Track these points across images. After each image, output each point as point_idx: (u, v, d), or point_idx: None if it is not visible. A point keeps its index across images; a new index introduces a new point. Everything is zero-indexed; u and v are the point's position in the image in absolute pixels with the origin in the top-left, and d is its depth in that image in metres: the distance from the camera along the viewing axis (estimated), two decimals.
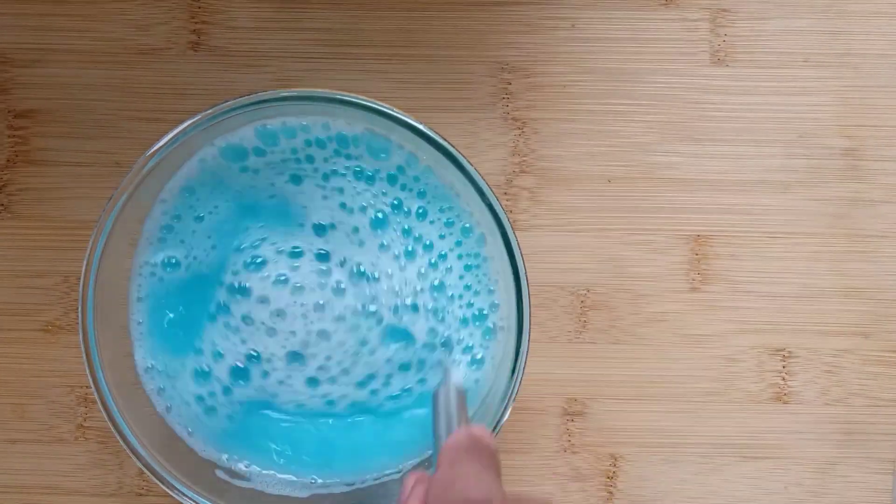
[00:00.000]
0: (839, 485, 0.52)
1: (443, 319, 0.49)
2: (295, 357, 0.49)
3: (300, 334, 0.48)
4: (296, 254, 0.49)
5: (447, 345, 0.49)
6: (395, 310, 0.48)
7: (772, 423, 0.52)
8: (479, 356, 0.49)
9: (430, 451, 0.48)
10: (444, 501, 0.39)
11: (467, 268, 0.49)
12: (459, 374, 0.48)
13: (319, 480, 0.49)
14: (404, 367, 0.49)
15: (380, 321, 0.48)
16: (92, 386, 0.45)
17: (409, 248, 0.49)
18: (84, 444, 0.52)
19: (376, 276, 0.48)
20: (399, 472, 0.49)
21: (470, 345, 0.49)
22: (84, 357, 0.45)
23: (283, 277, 0.48)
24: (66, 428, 0.52)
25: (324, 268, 0.49)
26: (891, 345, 0.53)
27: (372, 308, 0.48)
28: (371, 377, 0.49)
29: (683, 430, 0.52)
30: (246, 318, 0.48)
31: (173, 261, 0.49)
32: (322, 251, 0.49)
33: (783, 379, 0.52)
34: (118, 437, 0.45)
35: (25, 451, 0.52)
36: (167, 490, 0.45)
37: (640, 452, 0.52)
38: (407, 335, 0.49)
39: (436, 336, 0.49)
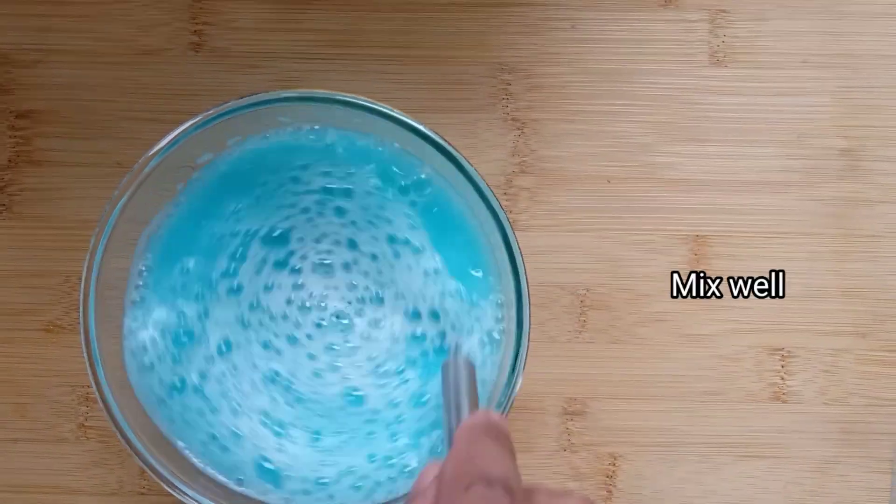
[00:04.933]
0: (838, 484, 0.52)
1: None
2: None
3: (316, 343, 0.49)
4: (296, 261, 0.49)
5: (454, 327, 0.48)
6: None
7: (771, 422, 0.53)
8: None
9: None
10: (462, 476, 0.37)
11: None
12: (469, 345, 0.48)
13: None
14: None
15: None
16: (93, 385, 0.45)
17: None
18: (85, 443, 0.52)
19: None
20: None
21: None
22: (85, 356, 0.45)
23: (289, 284, 0.49)
24: (68, 427, 0.52)
25: (327, 262, 0.49)
26: (889, 344, 0.53)
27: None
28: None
29: (683, 430, 0.52)
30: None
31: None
32: (324, 261, 0.49)
33: (782, 378, 0.53)
34: (119, 437, 0.45)
35: (27, 451, 0.52)
36: (168, 489, 0.45)
37: (640, 452, 0.53)
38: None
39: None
